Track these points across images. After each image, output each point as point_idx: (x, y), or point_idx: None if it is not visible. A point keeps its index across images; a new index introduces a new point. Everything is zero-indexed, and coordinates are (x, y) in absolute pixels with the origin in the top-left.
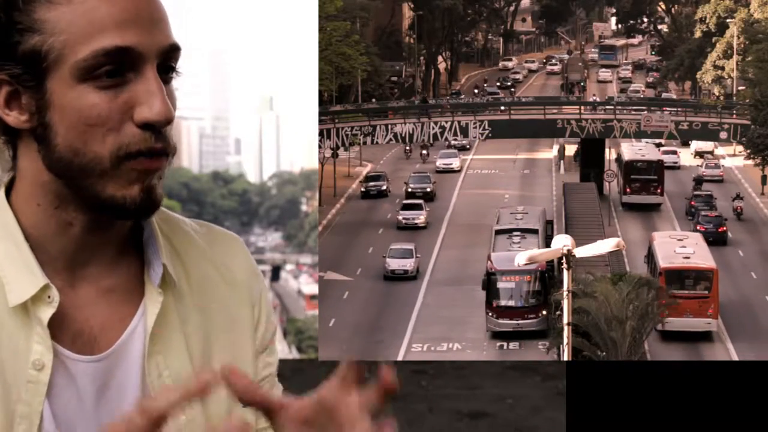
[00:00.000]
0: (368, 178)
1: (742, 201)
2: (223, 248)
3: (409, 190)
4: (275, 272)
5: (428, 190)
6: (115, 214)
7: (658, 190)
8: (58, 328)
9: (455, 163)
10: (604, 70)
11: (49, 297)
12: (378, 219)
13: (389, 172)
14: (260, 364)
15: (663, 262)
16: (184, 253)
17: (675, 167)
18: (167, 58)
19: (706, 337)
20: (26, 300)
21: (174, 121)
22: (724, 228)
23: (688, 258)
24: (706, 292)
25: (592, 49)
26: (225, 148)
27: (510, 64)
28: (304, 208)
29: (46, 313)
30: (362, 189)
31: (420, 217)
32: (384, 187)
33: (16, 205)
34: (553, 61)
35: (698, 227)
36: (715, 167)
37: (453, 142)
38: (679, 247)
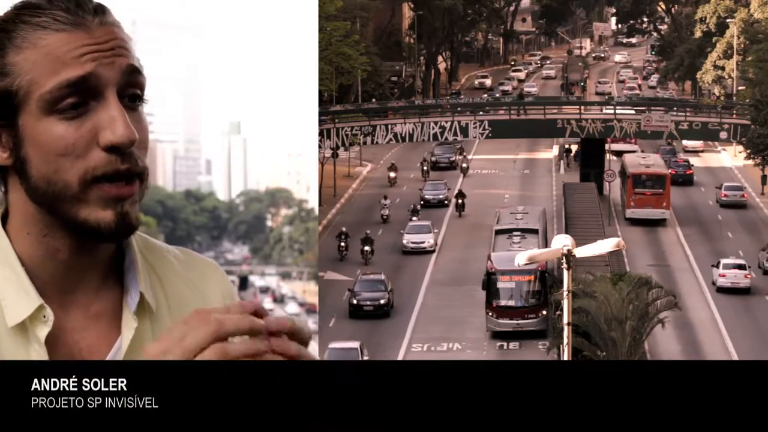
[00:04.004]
0: None
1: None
2: (200, 274)
3: (355, 302)
4: (243, 282)
5: (381, 302)
6: (92, 237)
7: (633, 141)
8: (52, 349)
9: (428, 240)
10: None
11: (44, 317)
12: (378, 219)
13: (386, 176)
14: None
15: (631, 169)
16: (166, 281)
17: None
18: (129, 84)
19: (661, 223)
20: (24, 320)
21: (147, 144)
22: (691, 171)
23: (649, 167)
24: (661, 190)
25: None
26: (197, 168)
27: (488, 82)
28: (269, 223)
29: (43, 331)
30: None
31: None
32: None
33: (11, 233)
34: (530, 83)
35: (670, 170)
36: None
37: (428, 196)
38: (642, 160)
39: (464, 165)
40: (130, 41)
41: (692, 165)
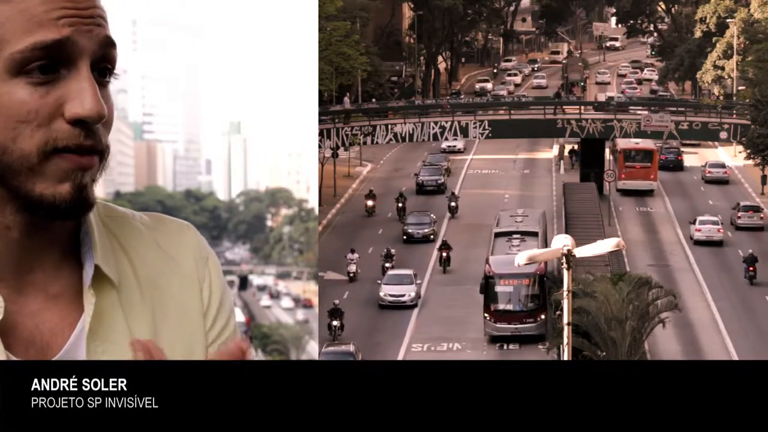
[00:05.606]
0: None
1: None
2: (172, 238)
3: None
4: (243, 282)
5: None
6: (47, 214)
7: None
8: (9, 336)
9: (409, 293)
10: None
11: None
12: (378, 219)
13: (386, 176)
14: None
15: (621, 145)
16: (131, 250)
17: None
18: (103, 57)
19: (649, 193)
20: None
21: (111, 123)
22: (681, 157)
23: (638, 143)
24: (649, 164)
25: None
26: (197, 168)
27: (489, 86)
28: (269, 223)
29: None
30: None
31: None
32: None
33: None
34: (521, 92)
35: (661, 156)
36: None
37: (411, 230)
38: (632, 137)
39: (452, 204)
40: (105, 12)
41: (682, 151)
